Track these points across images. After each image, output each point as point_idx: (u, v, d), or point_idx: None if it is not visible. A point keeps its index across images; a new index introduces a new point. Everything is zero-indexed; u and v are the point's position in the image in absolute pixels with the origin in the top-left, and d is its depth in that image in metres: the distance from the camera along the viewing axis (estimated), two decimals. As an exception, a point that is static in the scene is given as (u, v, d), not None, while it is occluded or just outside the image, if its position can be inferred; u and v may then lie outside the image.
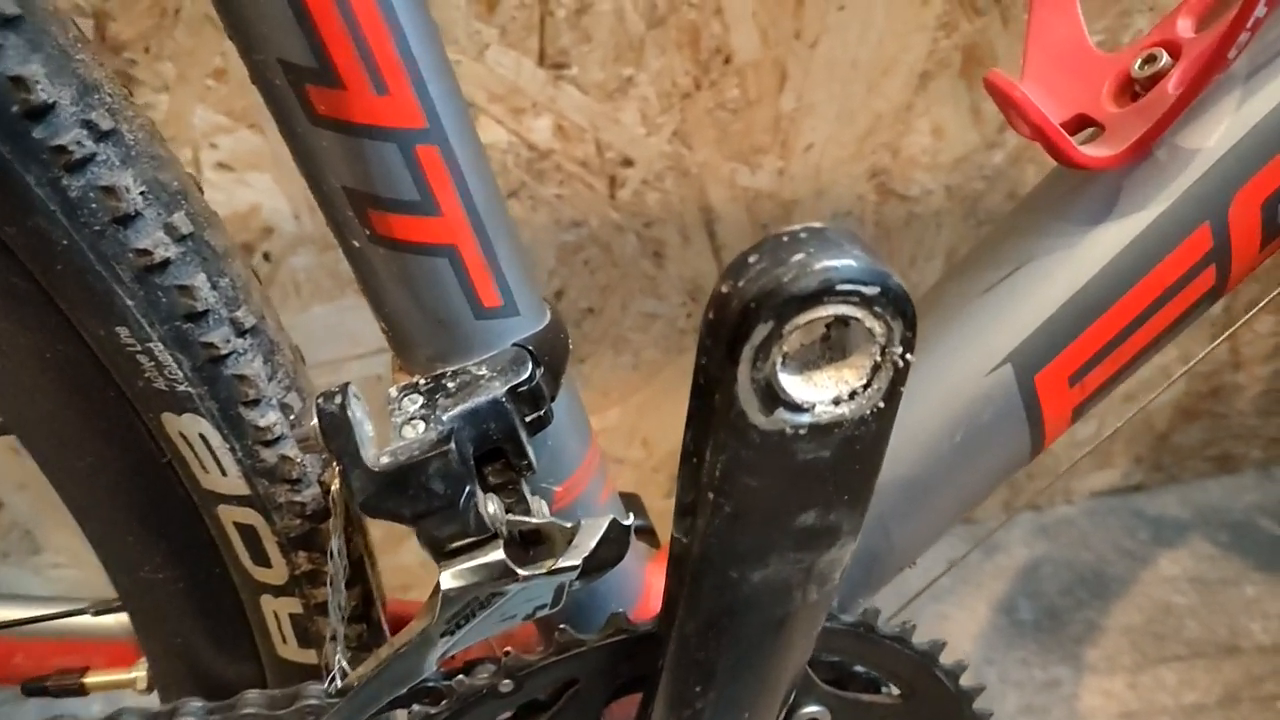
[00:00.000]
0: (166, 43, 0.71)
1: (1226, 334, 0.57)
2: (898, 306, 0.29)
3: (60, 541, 0.92)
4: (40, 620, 0.51)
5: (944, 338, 0.47)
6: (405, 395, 0.39)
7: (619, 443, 1.03)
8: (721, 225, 0.93)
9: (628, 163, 0.86)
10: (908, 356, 0.31)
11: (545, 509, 0.43)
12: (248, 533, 0.43)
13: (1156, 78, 0.43)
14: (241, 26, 0.33)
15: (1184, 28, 0.43)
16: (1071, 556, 1.31)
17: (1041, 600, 1.25)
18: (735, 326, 0.29)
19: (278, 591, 0.45)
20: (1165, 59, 0.43)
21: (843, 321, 0.30)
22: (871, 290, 0.29)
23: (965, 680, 0.49)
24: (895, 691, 0.49)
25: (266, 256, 0.82)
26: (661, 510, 1.06)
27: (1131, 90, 0.44)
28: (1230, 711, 1.13)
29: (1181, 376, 1.21)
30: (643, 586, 0.51)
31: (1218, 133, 0.43)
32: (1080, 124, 0.45)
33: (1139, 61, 0.44)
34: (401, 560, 1.03)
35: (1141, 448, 1.34)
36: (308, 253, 0.82)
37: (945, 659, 0.48)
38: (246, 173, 0.77)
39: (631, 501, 0.59)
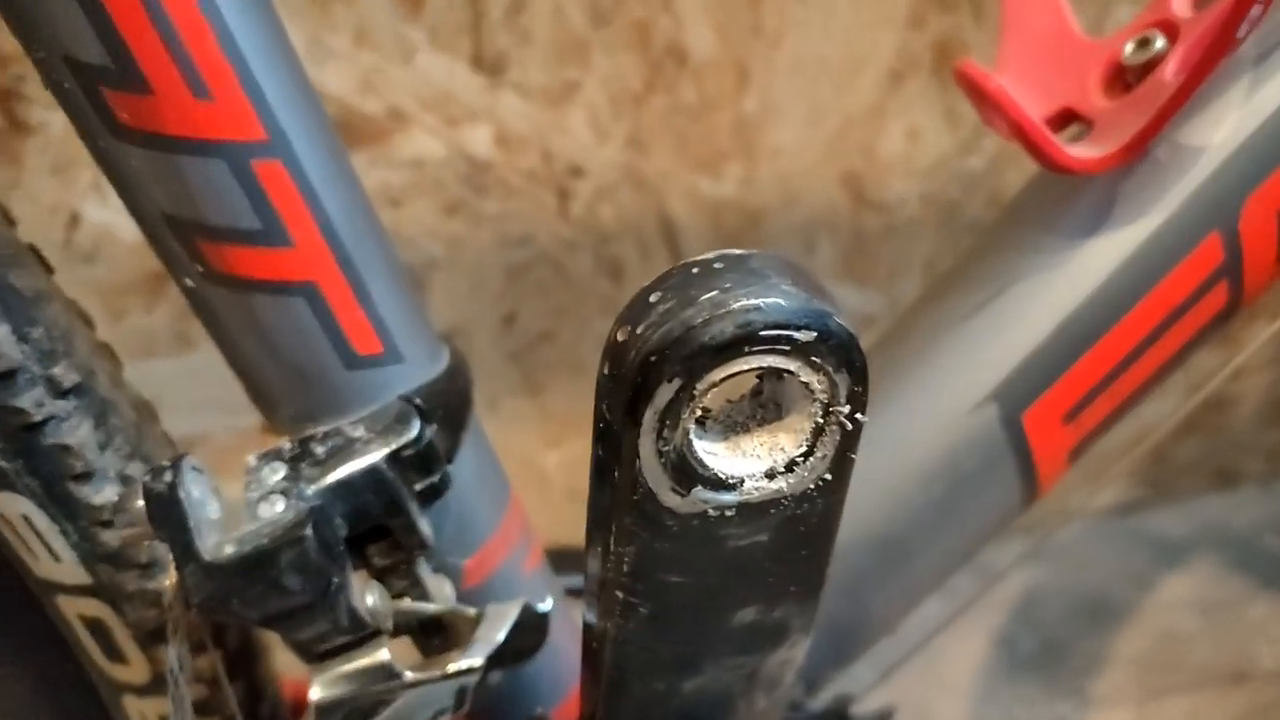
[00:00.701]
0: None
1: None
2: (841, 355, 0.23)
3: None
4: None
5: (918, 373, 0.41)
6: (266, 464, 0.32)
7: (581, 476, 0.96)
8: (684, 238, 0.86)
9: (578, 173, 0.80)
10: (858, 416, 0.24)
11: (449, 590, 0.36)
12: (96, 626, 0.36)
13: (1152, 64, 0.36)
14: (17, 15, 0.26)
15: (1180, 6, 0.37)
16: (1071, 583, 1.24)
17: (1041, 630, 1.18)
18: (635, 385, 0.23)
19: (141, 691, 0.38)
20: (1161, 42, 0.37)
21: (777, 376, 0.24)
22: (806, 336, 0.22)
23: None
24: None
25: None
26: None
27: (1124, 80, 0.38)
28: (1241, 741, 1.08)
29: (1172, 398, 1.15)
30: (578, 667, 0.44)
31: (1225, 127, 0.37)
32: (1066, 120, 0.39)
33: (1131, 46, 0.37)
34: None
35: (1137, 464, 1.28)
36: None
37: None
38: (152, 196, 0.70)
39: (571, 560, 0.52)
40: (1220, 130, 0.37)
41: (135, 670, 0.37)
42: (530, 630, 0.34)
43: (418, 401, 0.34)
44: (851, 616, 0.42)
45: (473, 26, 0.72)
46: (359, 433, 0.33)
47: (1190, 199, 0.37)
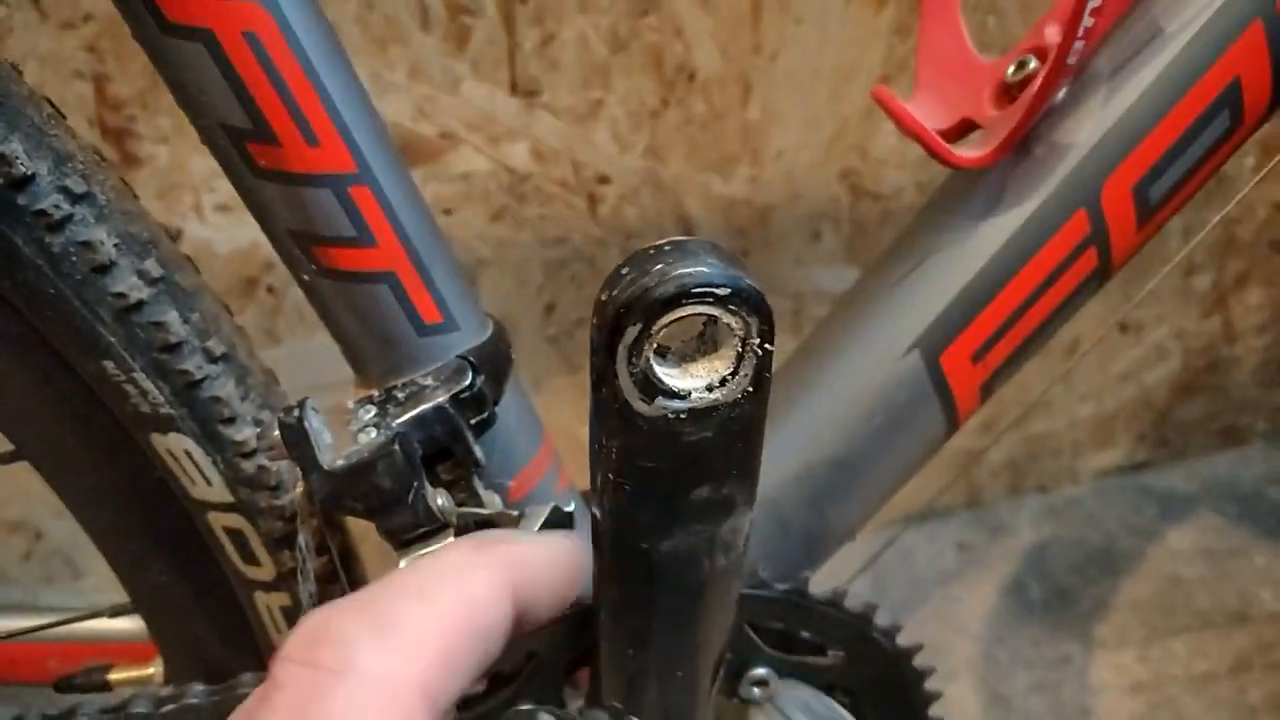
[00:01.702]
0: (163, 98, 0.77)
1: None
2: (751, 304, 0.34)
3: (99, 566, 0.99)
4: (62, 624, 0.57)
5: (861, 329, 0.52)
6: (361, 407, 0.44)
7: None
8: (701, 233, 0.97)
9: (604, 180, 0.91)
10: (766, 346, 0.35)
11: (498, 502, 0.48)
12: (236, 536, 0.48)
13: (1026, 81, 0.47)
14: (186, 98, 0.38)
15: (1051, 34, 0.47)
16: (1079, 536, 1.33)
17: (1050, 580, 1.27)
18: (611, 329, 0.34)
19: (268, 588, 0.50)
20: (1034, 63, 0.47)
21: (713, 321, 0.35)
22: (724, 291, 0.33)
23: (902, 640, 0.53)
24: (840, 653, 0.53)
25: (270, 290, 0.88)
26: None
27: (1009, 94, 0.48)
28: (1242, 678, 1.15)
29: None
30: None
31: (1087, 127, 0.47)
32: (967, 128, 0.49)
33: (1012, 68, 0.48)
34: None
35: (1143, 425, 1.37)
36: (308, 284, 0.88)
37: (880, 620, 0.52)
38: (244, 213, 0.83)
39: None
40: (1084, 129, 0.47)
41: (265, 570, 0.50)
42: (558, 525, 0.46)
43: (471, 359, 0.45)
44: (815, 525, 0.53)
45: (509, 58, 0.83)
46: (428, 382, 0.44)
47: (1061, 184, 0.47)
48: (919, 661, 0.55)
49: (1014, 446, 1.31)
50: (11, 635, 0.59)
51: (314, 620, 0.30)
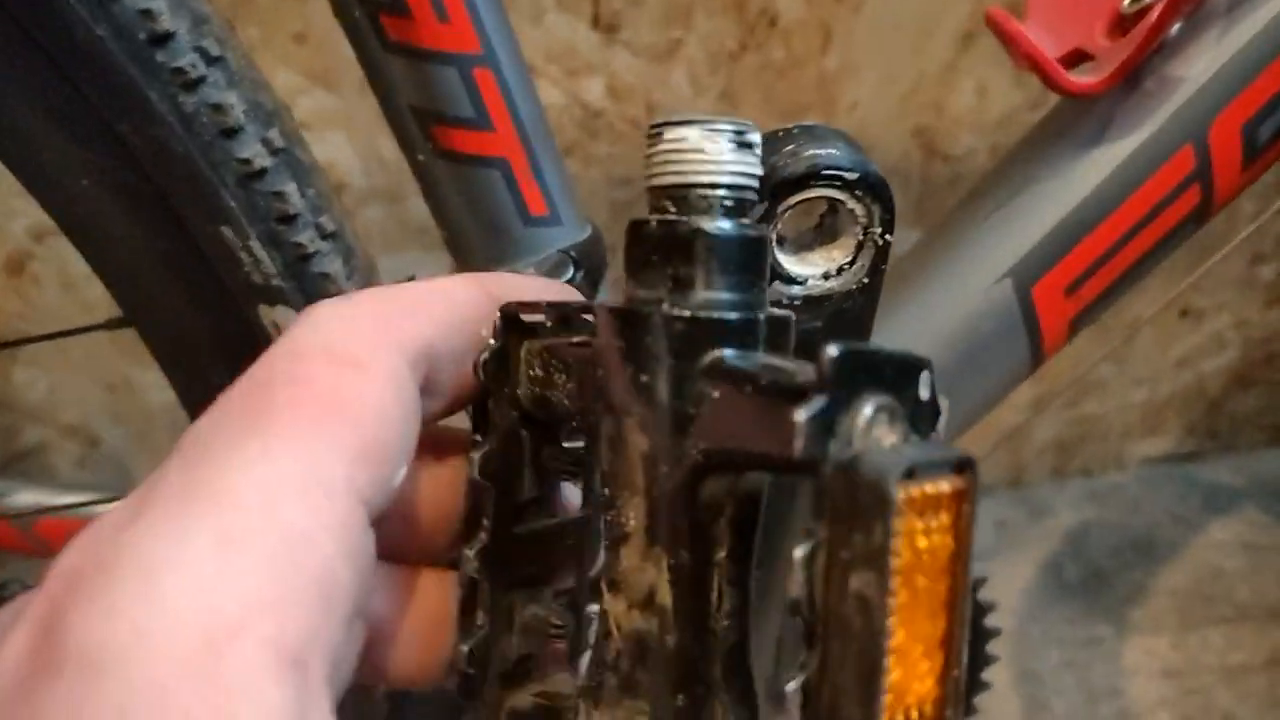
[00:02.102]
0: (252, 8, 0.78)
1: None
2: (876, 192, 0.34)
3: (157, 475, 1.01)
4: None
5: (954, 255, 0.52)
6: (463, 292, 0.45)
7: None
8: (769, 185, 0.97)
9: (678, 123, 0.91)
10: (887, 237, 0.35)
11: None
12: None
13: (1141, 14, 0.47)
14: (326, -36, 0.39)
15: (1168, -34, 0.47)
16: (1121, 521, 1.32)
17: (1088, 562, 1.27)
18: (737, 208, 0.34)
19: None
20: (1150, -5, 0.47)
21: (833, 210, 0.35)
22: (852, 176, 0.34)
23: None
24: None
25: (344, 209, 0.89)
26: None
27: (1123, 26, 0.48)
28: (1275, 672, 1.14)
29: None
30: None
31: (1200, 63, 0.47)
32: (1078, 58, 0.49)
33: (1128, 0, 0.48)
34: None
35: (1195, 415, 1.36)
36: (378, 205, 0.89)
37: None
38: (323, 131, 0.84)
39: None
40: (1196, 65, 0.47)
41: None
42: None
43: (572, 254, 0.46)
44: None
45: (594, -10, 0.84)
46: (530, 272, 0.45)
47: (1169, 118, 0.47)
48: (983, 596, 0.55)
49: (1062, 427, 1.30)
50: (70, 507, 0.60)
51: None
